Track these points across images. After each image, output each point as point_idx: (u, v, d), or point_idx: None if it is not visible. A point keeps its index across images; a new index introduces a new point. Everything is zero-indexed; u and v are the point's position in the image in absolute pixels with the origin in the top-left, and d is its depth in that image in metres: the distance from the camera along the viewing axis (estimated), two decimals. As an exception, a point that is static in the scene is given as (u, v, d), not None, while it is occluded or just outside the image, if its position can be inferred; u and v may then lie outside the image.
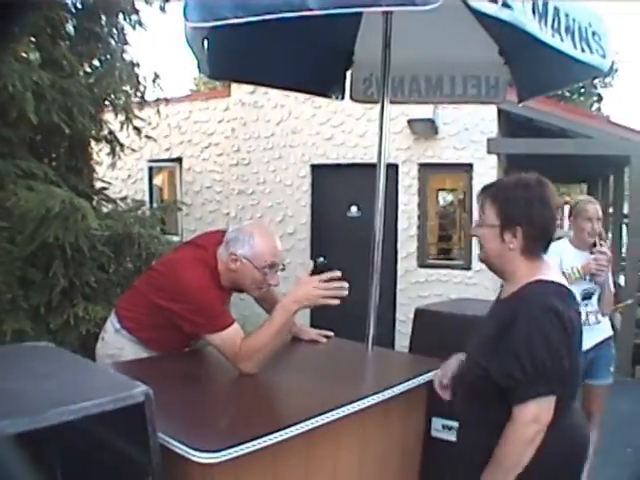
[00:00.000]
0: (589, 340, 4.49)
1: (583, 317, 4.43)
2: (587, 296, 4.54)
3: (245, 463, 1.95)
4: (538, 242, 2.40)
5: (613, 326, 4.92)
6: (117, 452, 1.83)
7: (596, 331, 4.60)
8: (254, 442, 1.95)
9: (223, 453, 1.86)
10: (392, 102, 4.28)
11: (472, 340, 2.48)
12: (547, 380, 2.17)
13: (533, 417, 2.18)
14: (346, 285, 2.76)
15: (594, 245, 4.51)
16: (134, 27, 6.74)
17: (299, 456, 2.27)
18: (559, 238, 4.86)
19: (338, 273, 2.77)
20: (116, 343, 3.22)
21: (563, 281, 2.42)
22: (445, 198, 10.40)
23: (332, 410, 2.31)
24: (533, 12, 2.80)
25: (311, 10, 2.54)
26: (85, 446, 1.83)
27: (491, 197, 2.44)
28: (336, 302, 2.76)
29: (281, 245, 3.14)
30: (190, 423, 2.18)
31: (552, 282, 2.37)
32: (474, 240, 9.22)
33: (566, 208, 6.76)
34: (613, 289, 4.70)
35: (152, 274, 3.27)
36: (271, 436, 2.01)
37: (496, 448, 2.21)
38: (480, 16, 3.10)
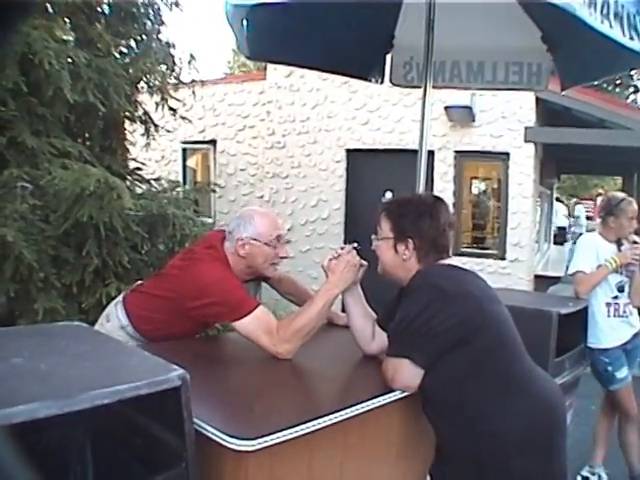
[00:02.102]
0: (628, 332, 4.59)
1: (620, 309, 4.44)
2: (621, 289, 4.57)
3: (280, 451, 1.90)
4: (430, 252, 2.57)
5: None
6: (151, 437, 1.80)
7: (633, 322, 4.63)
8: (290, 430, 1.90)
9: (259, 441, 1.81)
10: (433, 87, 4.22)
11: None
12: (399, 343, 2.39)
13: (391, 374, 2.39)
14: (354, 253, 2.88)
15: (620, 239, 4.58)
16: (170, 8, 6.74)
17: (335, 445, 2.21)
18: (590, 231, 4.82)
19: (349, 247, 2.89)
20: (118, 338, 3.16)
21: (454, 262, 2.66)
22: (479, 186, 10.31)
23: (369, 399, 2.27)
24: (583, -4, 2.72)
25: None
26: (118, 430, 1.80)
27: (386, 212, 2.65)
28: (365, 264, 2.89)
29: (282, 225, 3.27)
30: (225, 409, 2.15)
31: (436, 265, 2.58)
32: (508, 231, 9.13)
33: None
34: None
35: (168, 279, 3.13)
36: (308, 424, 1.96)
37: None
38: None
